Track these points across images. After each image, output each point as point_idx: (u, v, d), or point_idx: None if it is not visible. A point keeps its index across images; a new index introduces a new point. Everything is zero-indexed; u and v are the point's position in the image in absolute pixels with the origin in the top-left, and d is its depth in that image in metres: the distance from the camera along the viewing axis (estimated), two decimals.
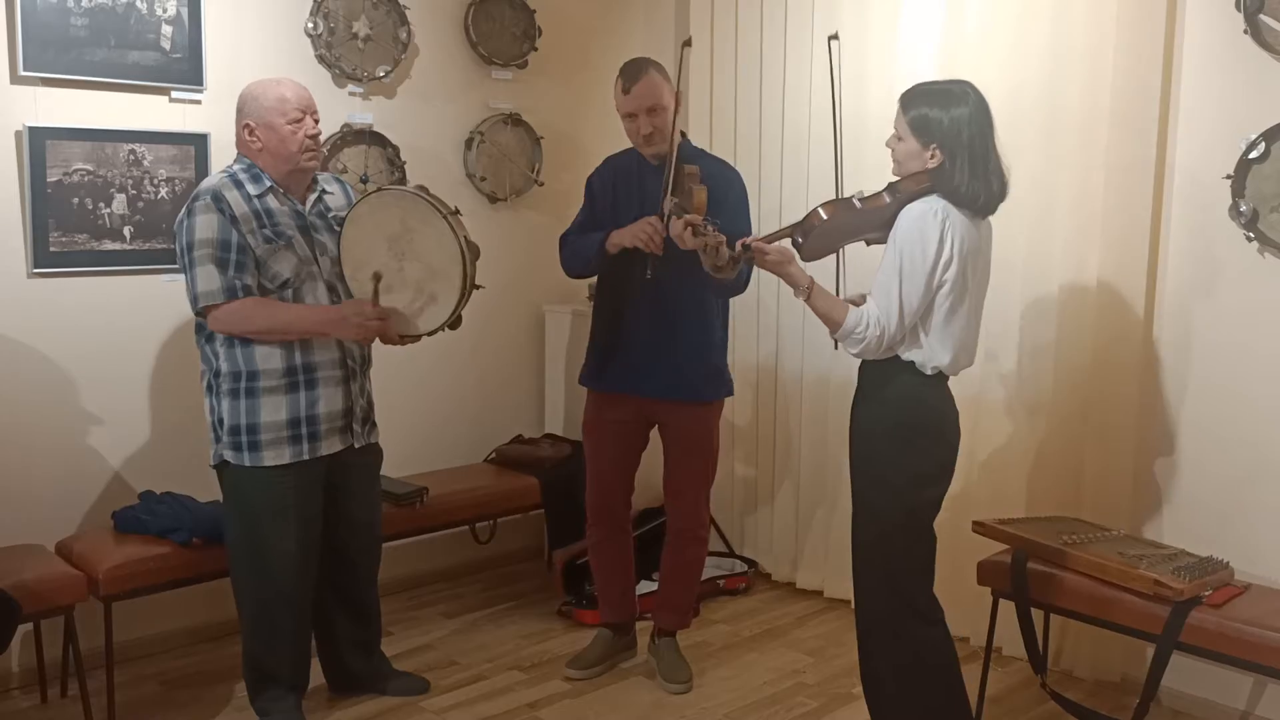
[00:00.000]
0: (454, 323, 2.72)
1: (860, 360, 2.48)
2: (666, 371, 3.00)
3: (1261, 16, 2.75)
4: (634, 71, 2.92)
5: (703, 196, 2.76)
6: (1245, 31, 2.77)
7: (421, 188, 2.70)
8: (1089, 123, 3.04)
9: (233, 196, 2.62)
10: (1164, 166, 2.98)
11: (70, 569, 2.83)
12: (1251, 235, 2.81)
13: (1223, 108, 2.86)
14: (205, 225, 2.57)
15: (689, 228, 2.53)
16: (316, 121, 2.73)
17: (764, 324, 3.96)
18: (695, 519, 3.15)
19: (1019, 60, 3.14)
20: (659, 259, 2.82)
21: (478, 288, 2.71)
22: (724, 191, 2.94)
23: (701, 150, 3.16)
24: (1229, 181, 2.83)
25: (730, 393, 3.16)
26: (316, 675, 2.98)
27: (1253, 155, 2.78)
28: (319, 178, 2.83)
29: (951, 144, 2.29)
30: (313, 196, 2.78)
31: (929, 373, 2.36)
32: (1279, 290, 2.81)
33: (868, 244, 2.55)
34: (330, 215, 2.81)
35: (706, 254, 2.48)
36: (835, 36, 2.58)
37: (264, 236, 2.63)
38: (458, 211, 2.70)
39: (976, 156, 2.29)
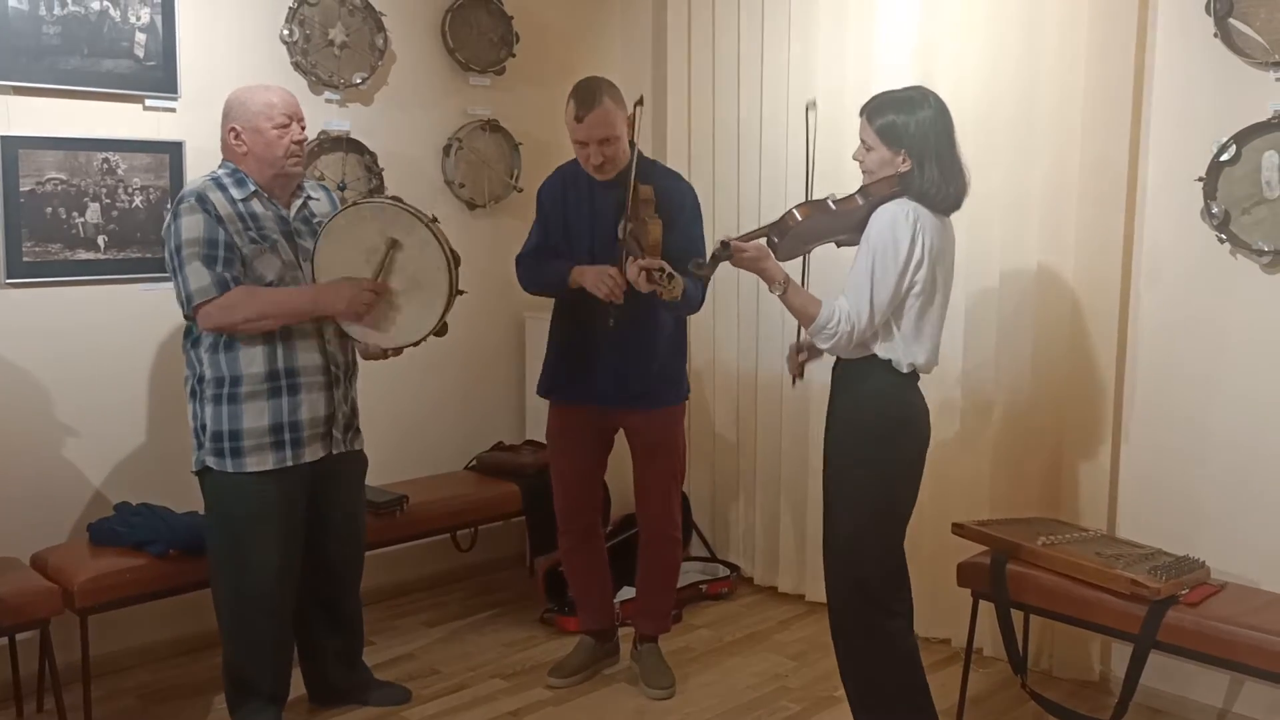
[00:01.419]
0: (440, 330, 2.72)
1: (835, 360, 2.55)
2: (623, 380, 3.01)
3: (1231, 20, 2.78)
4: (587, 99, 2.86)
5: (657, 233, 2.80)
6: (1215, 35, 2.80)
7: (395, 199, 2.69)
8: (1061, 126, 3.07)
9: (216, 198, 2.62)
10: (1136, 169, 3.01)
11: (45, 582, 2.80)
12: (1223, 237, 2.84)
13: (1194, 110, 2.89)
14: (191, 226, 2.57)
15: (643, 273, 2.66)
16: (303, 128, 2.74)
17: (743, 328, 3.97)
18: (667, 520, 3.15)
19: (991, 64, 3.17)
20: (621, 307, 2.85)
21: (461, 293, 2.72)
22: (676, 209, 2.95)
23: (652, 161, 3.14)
24: (1201, 184, 2.86)
25: (686, 395, 3.17)
26: (297, 686, 2.96)
27: (1224, 158, 2.81)
28: (304, 184, 2.83)
29: (919, 147, 2.37)
30: (297, 202, 2.78)
31: (904, 370, 2.43)
32: (1251, 291, 2.84)
33: (838, 245, 2.62)
34: (315, 221, 2.80)
35: (665, 299, 2.65)
36: (813, 105, 2.69)
37: (249, 238, 2.63)
38: (435, 220, 2.70)
39: (944, 157, 2.38)
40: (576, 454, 3.14)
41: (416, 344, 2.76)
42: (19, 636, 2.81)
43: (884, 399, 2.44)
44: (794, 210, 2.45)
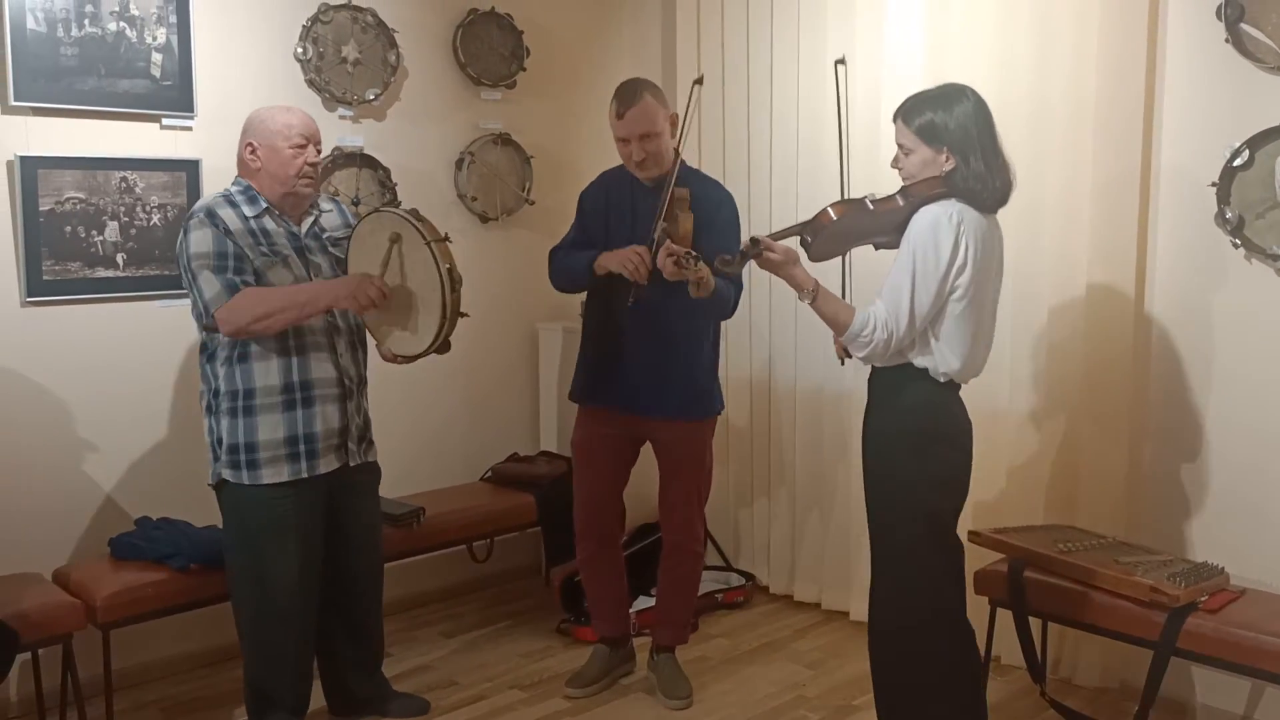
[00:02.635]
0: (441, 348, 2.72)
1: (870, 370, 2.45)
2: (655, 390, 3.01)
3: (1242, 25, 2.78)
4: (628, 96, 2.90)
5: (689, 225, 2.79)
6: (1226, 40, 2.80)
7: (413, 211, 2.71)
8: (1073, 133, 3.07)
9: (226, 214, 2.65)
10: (1149, 175, 3.00)
11: (68, 597, 2.83)
12: (1238, 242, 2.84)
13: (1206, 115, 2.89)
14: (200, 240, 2.61)
15: (672, 258, 2.60)
16: (319, 151, 2.77)
17: (757, 336, 3.97)
18: (690, 534, 3.16)
19: (1002, 72, 3.17)
20: (643, 287, 2.84)
21: (463, 315, 2.69)
22: (713, 213, 2.95)
23: (695, 170, 3.16)
24: (1214, 189, 2.85)
25: (720, 410, 3.17)
26: (317, 697, 2.98)
27: (1237, 163, 2.81)
28: (317, 206, 2.86)
29: (962, 143, 2.27)
30: (309, 220, 2.81)
31: (941, 380, 2.34)
32: (1266, 296, 2.83)
33: (876, 248, 2.52)
34: (325, 236, 2.83)
35: (691, 285, 2.57)
36: (842, 61, 2.58)
37: (260, 252, 2.66)
38: (447, 238, 2.69)
39: (987, 150, 2.29)
40: (601, 462, 3.14)
41: (414, 359, 2.76)
42: (42, 651, 2.83)
43: (922, 410, 2.34)
44: (828, 209, 2.33)
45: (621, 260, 2.85)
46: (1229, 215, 2.84)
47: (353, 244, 2.76)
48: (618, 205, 3.05)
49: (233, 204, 2.68)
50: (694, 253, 2.60)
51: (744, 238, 3.17)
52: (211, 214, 2.64)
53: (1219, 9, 2.81)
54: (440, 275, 2.61)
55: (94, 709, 2.88)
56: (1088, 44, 3.02)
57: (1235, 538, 2.89)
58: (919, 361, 2.34)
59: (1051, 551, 2.79)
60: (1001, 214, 3.08)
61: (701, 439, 3.12)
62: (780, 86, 3.80)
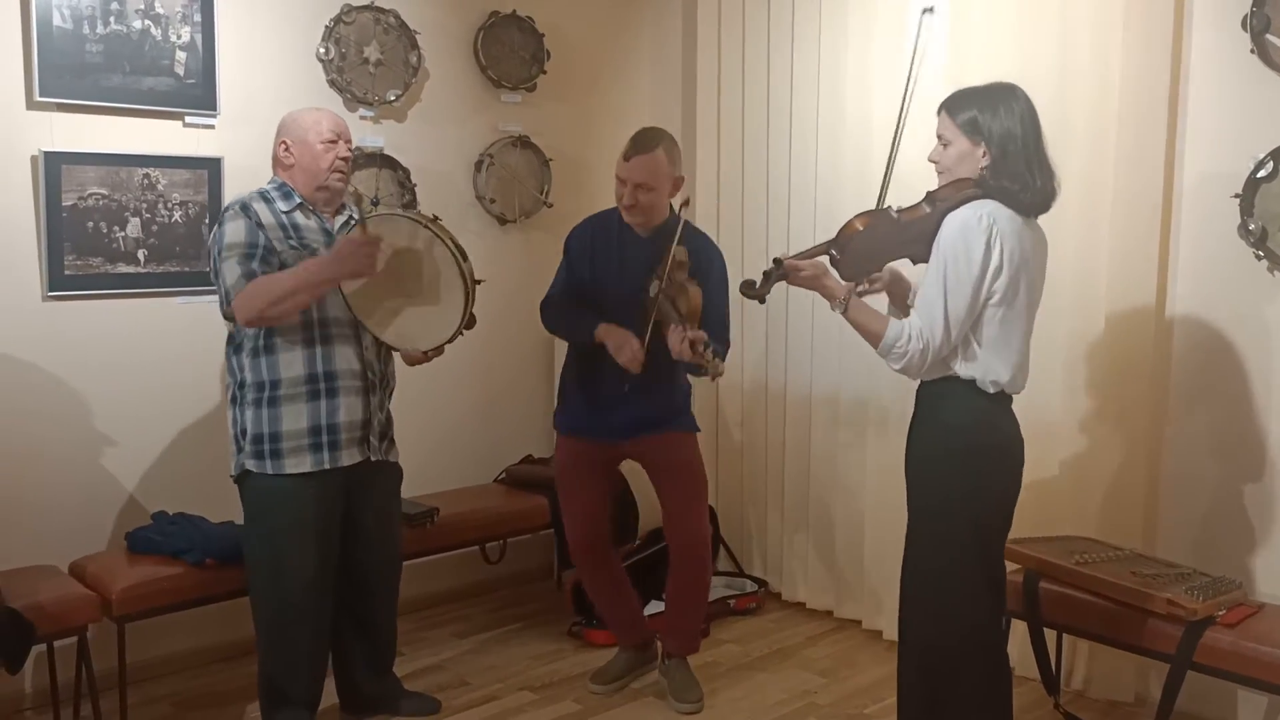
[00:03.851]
0: (469, 323, 2.76)
1: (918, 382, 2.36)
2: (633, 419, 3.04)
3: (1269, 36, 2.77)
4: (643, 143, 2.91)
5: (698, 300, 2.81)
6: (1252, 51, 2.79)
7: (398, 210, 2.75)
8: (1096, 142, 3.05)
9: (260, 208, 2.72)
10: (1172, 185, 2.99)
11: (84, 590, 2.84)
12: (1261, 254, 2.82)
13: (1230, 126, 2.87)
14: (233, 231, 2.67)
15: (687, 343, 2.65)
16: (349, 147, 2.84)
17: (774, 343, 3.97)
18: (696, 538, 3.15)
19: (1024, 81, 3.08)
20: (636, 375, 2.88)
21: (479, 282, 2.74)
22: (704, 274, 2.97)
23: (686, 223, 3.09)
24: (1238, 200, 2.83)
25: (696, 429, 3.18)
26: (329, 695, 2.98)
27: (1261, 174, 2.79)
28: (349, 206, 2.92)
29: (1004, 141, 2.21)
30: (340, 219, 2.86)
31: (990, 391, 2.24)
32: None
33: (914, 262, 2.37)
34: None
35: (708, 370, 2.64)
36: (930, 10, 2.49)
37: (289, 245, 2.72)
38: (437, 218, 2.73)
39: (1031, 153, 2.22)
40: (584, 486, 3.17)
41: (451, 340, 2.79)
42: (57, 643, 2.85)
43: (969, 426, 2.25)
44: (853, 220, 2.27)
45: (616, 349, 2.88)
46: (1252, 227, 2.81)
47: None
48: (604, 250, 3.06)
49: (267, 199, 2.75)
50: (711, 344, 2.64)
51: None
52: (246, 207, 2.71)
53: (1245, 19, 2.79)
54: (450, 248, 2.66)
55: (107, 702, 2.89)
56: (1111, 53, 3.00)
57: (1254, 551, 2.87)
58: (964, 372, 2.25)
59: (1068, 563, 2.77)
60: None
61: (686, 447, 3.13)
62: (800, 92, 3.79)
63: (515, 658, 3.49)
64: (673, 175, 2.95)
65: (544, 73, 4.10)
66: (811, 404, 3.83)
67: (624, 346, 2.87)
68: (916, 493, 2.36)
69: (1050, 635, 2.89)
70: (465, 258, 2.71)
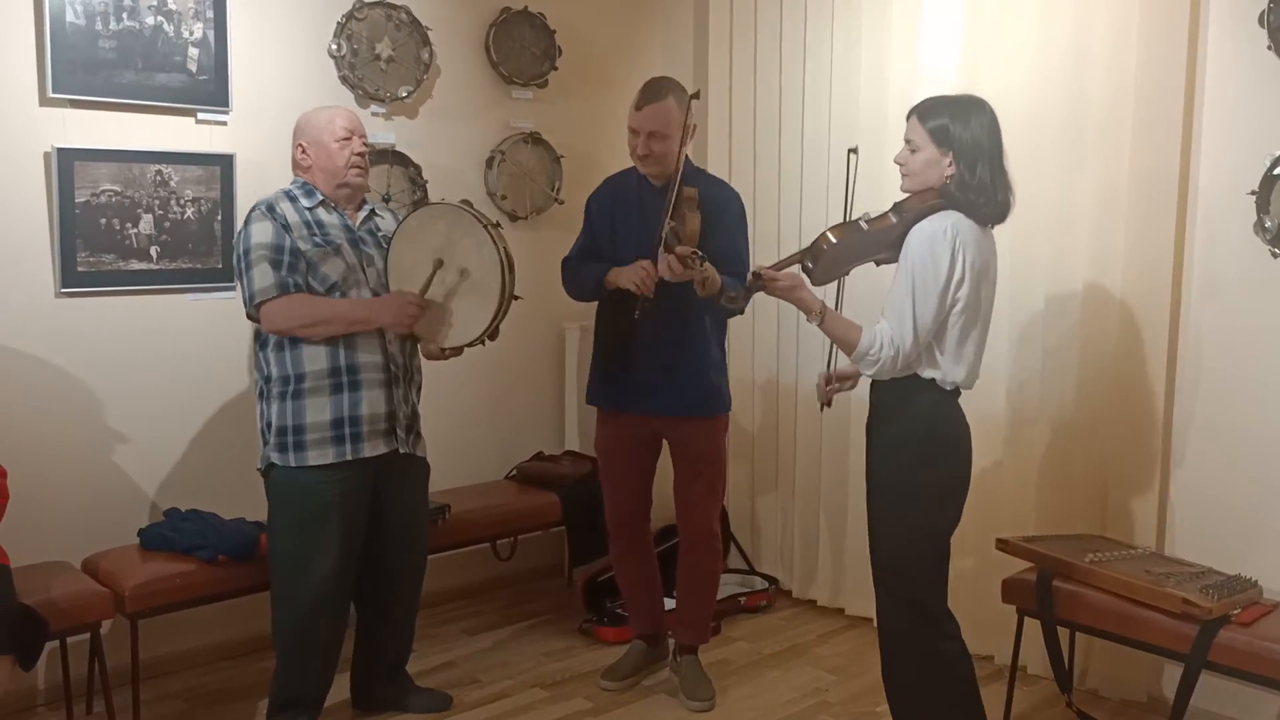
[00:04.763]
0: (492, 334, 2.79)
1: (872, 380, 2.49)
2: (665, 389, 3.03)
3: None
4: (652, 92, 2.94)
5: (696, 224, 2.82)
6: (1269, 47, 2.77)
7: (465, 202, 2.82)
8: (1111, 139, 3.04)
9: (285, 208, 2.76)
10: (1187, 182, 2.97)
11: (97, 586, 2.85)
12: (1276, 251, 2.80)
13: (1246, 123, 2.86)
14: (260, 231, 2.71)
15: (677, 260, 2.65)
16: (364, 142, 2.87)
17: (784, 338, 3.96)
18: (707, 530, 3.16)
19: (1039, 79, 3.14)
20: (649, 300, 2.87)
21: (516, 298, 2.78)
22: (720, 212, 2.97)
23: (700, 170, 3.18)
24: (1254, 198, 2.82)
25: (727, 409, 3.17)
26: (340, 689, 2.99)
27: (1277, 171, 2.77)
28: (371, 203, 2.95)
29: (971, 153, 2.31)
30: (362, 214, 2.90)
31: (948, 389, 2.39)
32: None
33: (877, 264, 2.57)
34: (380, 234, 2.92)
35: (696, 284, 2.63)
36: (855, 150, 2.61)
37: (314, 243, 2.74)
38: (498, 225, 2.79)
39: (995, 164, 2.34)
40: (624, 462, 3.17)
41: (470, 345, 2.82)
42: (70, 639, 2.86)
43: (930, 418, 2.39)
44: (827, 233, 2.39)
45: (629, 276, 2.90)
46: (1268, 224, 2.80)
47: (398, 239, 2.82)
48: (624, 207, 3.08)
49: (291, 199, 2.79)
50: (699, 252, 2.63)
51: (752, 240, 3.19)
52: (272, 208, 2.74)
53: (1261, 15, 2.77)
54: (501, 258, 2.71)
55: (120, 698, 2.90)
56: (1127, 50, 2.99)
57: (1269, 551, 2.85)
58: (925, 373, 2.39)
59: (1081, 561, 2.76)
60: (1035, 220, 3.10)
61: (714, 435, 3.12)
62: (812, 89, 3.78)
63: (526, 655, 3.49)
64: (685, 121, 2.94)
65: (555, 69, 4.09)
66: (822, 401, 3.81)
67: (635, 271, 2.87)
68: (878, 482, 2.48)
69: (1063, 633, 2.88)
70: (512, 269, 2.74)
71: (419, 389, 2.97)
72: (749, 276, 2.43)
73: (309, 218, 2.77)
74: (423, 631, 3.62)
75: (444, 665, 3.41)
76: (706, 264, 2.63)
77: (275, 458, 2.74)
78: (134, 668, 2.86)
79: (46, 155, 3.04)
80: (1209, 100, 2.93)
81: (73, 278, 3.09)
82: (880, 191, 3.12)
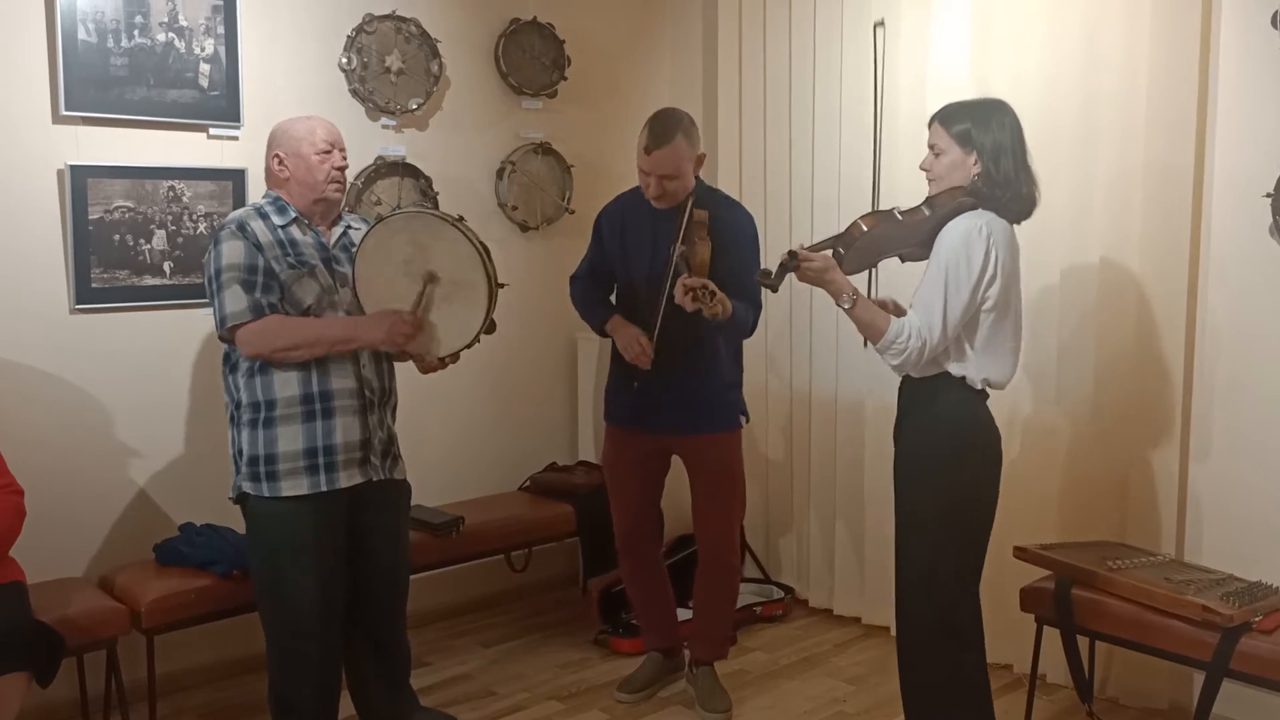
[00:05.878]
0: (489, 328, 2.67)
1: (901, 379, 2.49)
2: (676, 409, 3.02)
3: None
4: (659, 134, 2.87)
5: (705, 254, 2.82)
6: None
7: (419, 205, 2.68)
8: (1124, 144, 3.02)
9: (257, 226, 2.64)
10: (1201, 185, 2.95)
11: (112, 602, 2.86)
12: None
13: (1260, 125, 2.84)
14: (231, 251, 2.60)
15: (689, 293, 2.65)
16: (344, 156, 2.76)
17: (798, 350, 3.95)
18: (725, 547, 3.14)
19: (1050, 78, 3.13)
20: (645, 372, 2.90)
21: (502, 286, 2.66)
22: (733, 235, 2.96)
23: (713, 190, 3.14)
24: (1269, 200, 2.80)
25: (743, 422, 3.15)
26: (345, 708, 2.97)
27: None
28: (346, 217, 2.84)
29: (995, 151, 2.35)
30: (337, 230, 2.79)
31: (978, 388, 2.39)
32: None
33: (903, 260, 2.57)
34: (354, 250, 2.78)
35: (707, 315, 2.65)
36: (881, 23, 2.59)
37: (287, 264, 2.64)
38: (461, 218, 2.66)
39: (1019, 160, 2.37)
40: (632, 479, 3.16)
41: (470, 345, 2.70)
42: (86, 655, 2.86)
43: (959, 420, 2.40)
44: (859, 221, 2.40)
45: (623, 347, 2.91)
46: None
47: (360, 260, 2.67)
48: (635, 228, 3.06)
49: (263, 215, 2.68)
50: (710, 287, 2.63)
51: (763, 258, 3.19)
52: (243, 226, 2.63)
53: (1274, 17, 2.76)
54: (477, 249, 2.58)
55: (137, 714, 2.91)
56: (1139, 51, 2.97)
57: None
58: (955, 370, 2.39)
59: (1100, 569, 2.73)
60: (1050, 224, 3.08)
61: (728, 450, 3.11)
62: (822, 98, 3.78)
63: (542, 667, 3.48)
64: (695, 155, 2.93)
65: (565, 79, 4.10)
66: (837, 411, 3.80)
67: (630, 344, 2.90)
68: (907, 484, 2.47)
69: (1083, 642, 2.86)
70: (489, 255, 2.62)
71: (394, 410, 2.86)
72: (784, 255, 2.40)
73: (281, 236, 2.66)
74: (438, 644, 3.63)
75: (460, 678, 3.40)
76: (718, 295, 2.64)
77: (248, 487, 2.66)
78: (150, 683, 2.87)
79: (60, 172, 3.05)
80: (1222, 102, 2.91)
81: (87, 294, 3.11)
82: (894, 199, 3.10)
